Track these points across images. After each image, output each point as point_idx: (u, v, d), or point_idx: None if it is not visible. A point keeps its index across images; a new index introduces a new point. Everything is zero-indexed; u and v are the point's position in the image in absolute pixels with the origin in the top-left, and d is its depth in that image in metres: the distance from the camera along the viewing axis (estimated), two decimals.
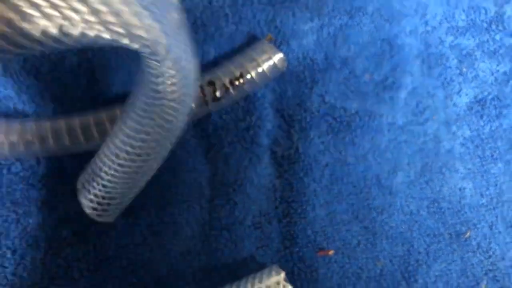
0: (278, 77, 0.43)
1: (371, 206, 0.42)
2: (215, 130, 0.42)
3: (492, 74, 0.46)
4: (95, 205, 0.34)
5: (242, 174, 0.42)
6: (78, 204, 0.34)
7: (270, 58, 0.40)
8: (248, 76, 0.40)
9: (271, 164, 0.42)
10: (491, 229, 0.44)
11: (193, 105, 0.35)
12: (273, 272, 0.38)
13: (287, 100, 0.43)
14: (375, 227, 0.42)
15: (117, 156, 0.30)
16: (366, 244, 0.41)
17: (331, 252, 0.41)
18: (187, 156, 0.41)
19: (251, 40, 0.43)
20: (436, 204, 0.42)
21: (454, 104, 0.44)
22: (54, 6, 0.16)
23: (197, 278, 0.40)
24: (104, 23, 0.18)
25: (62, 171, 0.38)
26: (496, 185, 0.45)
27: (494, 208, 0.45)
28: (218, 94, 0.40)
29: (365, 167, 0.42)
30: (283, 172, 0.42)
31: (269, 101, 0.43)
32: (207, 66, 0.42)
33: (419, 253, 0.41)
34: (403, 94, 0.44)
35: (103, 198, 0.33)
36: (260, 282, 0.37)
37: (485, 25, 0.46)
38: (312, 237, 0.41)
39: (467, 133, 0.45)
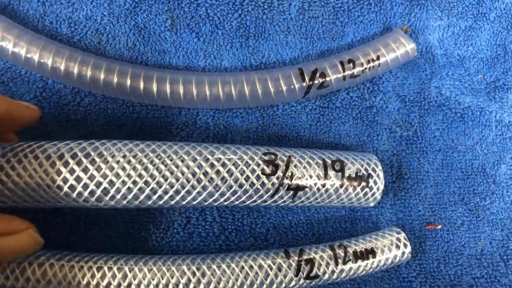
0: (401, 65, 0.47)
1: (475, 192, 0.46)
2: (342, 104, 0.46)
3: None
4: None
5: (360, 147, 0.46)
6: None
7: (404, 46, 0.45)
8: (383, 60, 0.45)
9: (389, 142, 0.46)
10: None
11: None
12: (394, 231, 0.42)
13: (408, 86, 0.47)
14: (478, 210, 0.45)
15: None
16: (469, 225, 0.45)
17: (439, 226, 0.45)
18: (310, 121, 0.45)
19: (385, 30, 0.47)
20: None
21: None
22: None
23: (315, 232, 0.43)
24: None
25: None
26: None
27: None
28: (355, 72, 0.44)
29: (473, 156, 0.47)
30: (401, 150, 0.46)
31: (392, 85, 0.47)
32: (344, 46, 0.47)
33: None
34: None
35: None
36: (383, 238, 0.41)
37: None
38: (422, 212, 0.45)
39: None
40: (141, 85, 0.41)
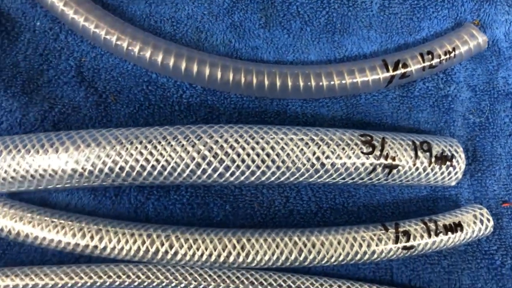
0: (471, 57, 0.51)
1: None
2: (420, 94, 0.50)
3: None
4: None
5: (438, 133, 0.49)
6: None
7: (476, 38, 0.49)
8: (458, 51, 0.48)
9: (463, 128, 0.50)
10: None
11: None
12: (477, 207, 0.45)
13: (477, 77, 0.51)
14: None
15: None
16: None
17: None
18: (391, 110, 0.49)
19: (456, 25, 0.51)
20: None
21: None
22: None
23: (401, 210, 0.47)
24: None
25: None
26: None
27: None
28: (434, 63, 0.48)
29: None
30: (474, 136, 0.49)
31: (463, 76, 0.51)
32: (419, 40, 0.51)
33: None
34: None
35: None
36: (467, 213, 0.45)
37: None
38: (497, 191, 0.48)
39: None
40: (242, 78, 0.45)
